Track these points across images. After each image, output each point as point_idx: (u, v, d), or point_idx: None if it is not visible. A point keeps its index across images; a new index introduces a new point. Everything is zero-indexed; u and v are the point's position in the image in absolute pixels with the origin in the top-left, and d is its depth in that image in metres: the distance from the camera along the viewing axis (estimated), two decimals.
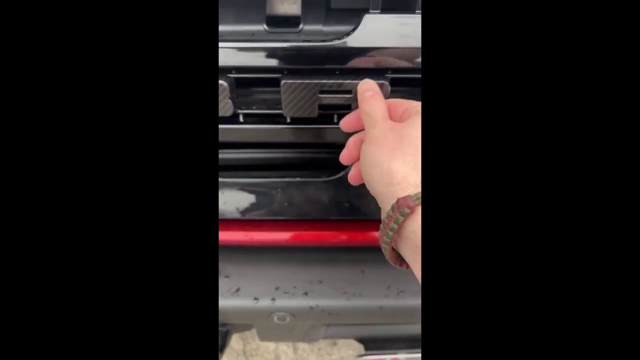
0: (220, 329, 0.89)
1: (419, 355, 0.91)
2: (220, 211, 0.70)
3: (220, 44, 0.52)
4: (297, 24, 0.54)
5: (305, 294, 0.75)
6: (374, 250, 0.76)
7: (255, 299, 0.74)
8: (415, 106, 0.49)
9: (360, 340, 0.96)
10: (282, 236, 0.73)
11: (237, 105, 0.58)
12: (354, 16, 0.52)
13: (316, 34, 0.54)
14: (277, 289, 0.75)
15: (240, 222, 0.73)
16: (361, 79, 0.53)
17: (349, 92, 0.54)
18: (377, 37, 0.51)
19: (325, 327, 0.89)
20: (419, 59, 0.53)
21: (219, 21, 0.52)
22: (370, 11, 0.50)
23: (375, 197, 0.47)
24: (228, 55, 0.52)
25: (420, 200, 0.40)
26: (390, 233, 0.43)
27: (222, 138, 0.61)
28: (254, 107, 0.59)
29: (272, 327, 0.80)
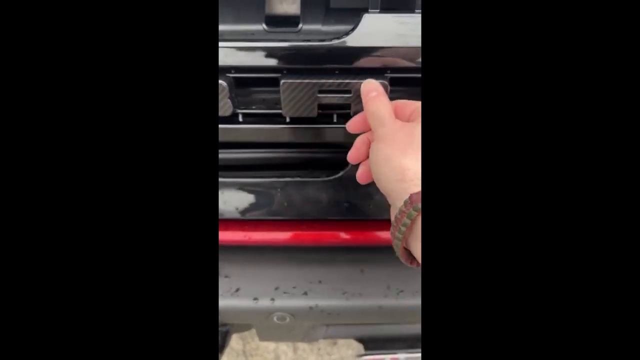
0: (219, 329, 0.89)
1: (419, 355, 0.91)
2: (219, 211, 0.70)
3: (220, 44, 0.51)
4: (297, 24, 0.54)
5: (305, 293, 0.75)
6: (374, 250, 0.76)
7: (255, 299, 0.74)
8: None
9: (360, 340, 0.96)
10: (282, 236, 0.73)
11: (236, 105, 0.57)
12: (353, 16, 0.52)
13: (315, 33, 0.54)
14: (276, 289, 0.75)
15: (239, 222, 0.73)
16: (361, 79, 0.53)
17: (349, 91, 0.54)
18: (376, 36, 0.51)
19: (324, 327, 0.89)
20: (419, 59, 0.53)
21: (218, 21, 0.52)
22: (370, 11, 0.50)
23: (386, 194, 0.48)
24: (227, 54, 0.52)
25: None
26: (403, 228, 0.43)
27: (221, 138, 0.61)
28: (253, 107, 0.59)
29: (272, 327, 0.80)
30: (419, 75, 0.53)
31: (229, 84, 0.54)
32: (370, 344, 0.94)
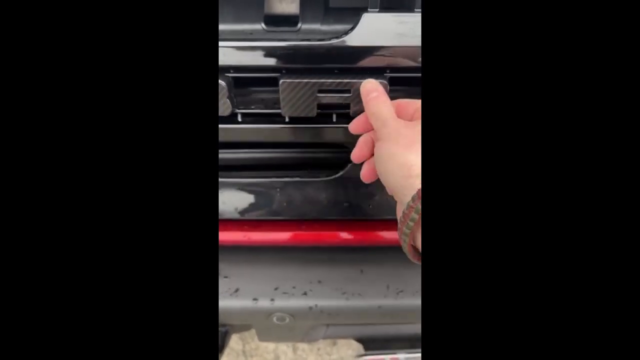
0: (219, 329, 0.89)
1: (419, 355, 0.91)
2: (219, 211, 0.70)
3: (219, 43, 0.51)
4: (296, 23, 0.54)
5: (305, 294, 0.74)
6: (373, 250, 0.76)
7: (255, 299, 0.74)
8: None
9: (360, 340, 0.96)
10: (281, 236, 0.73)
11: (235, 105, 0.57)
12: (352, 15, 0.52)
13: (315, 33, 0.54)
14: (276, 289, 0.75)
15: (239, 222, 0.73)
16: (360, 78, 0.53)
17: (348, 91, 0.54)
18: (375, 36, 0.51)
19: (324, 327, 0.89)
20: (418, 58, 0.53)
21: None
22: (369, 10, 0.50)
23: (392, 192, 0.48)
24: (226, 54, 0.52)
25: None
26: (411, 224, 0.43)
27: (220, 138, 0.61)
28: (253, 107, 0.59)
29: (272, 327, 0.80)
30: (419, 74, 0.53)
31: (228, 84, 0.54)
32: (370, 344, 0.94)
